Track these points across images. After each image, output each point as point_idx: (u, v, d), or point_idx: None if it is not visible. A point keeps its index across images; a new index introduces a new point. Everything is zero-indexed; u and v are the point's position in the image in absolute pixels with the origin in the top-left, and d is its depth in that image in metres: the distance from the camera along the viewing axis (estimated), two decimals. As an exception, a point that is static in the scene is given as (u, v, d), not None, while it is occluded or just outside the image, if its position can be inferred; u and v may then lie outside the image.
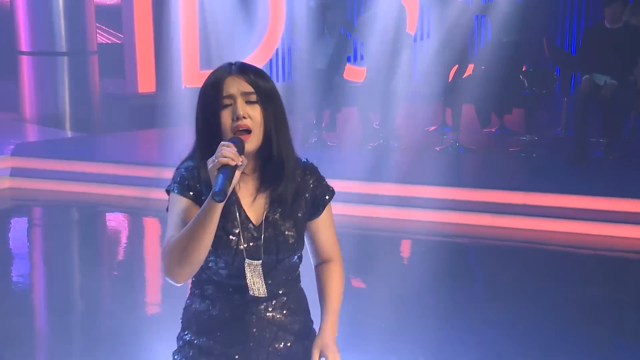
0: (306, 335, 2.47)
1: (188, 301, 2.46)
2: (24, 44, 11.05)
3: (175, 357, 2.46)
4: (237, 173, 2.16)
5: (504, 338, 5.18)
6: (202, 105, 2.32)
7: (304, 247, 2.47)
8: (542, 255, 7.19)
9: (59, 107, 11.10)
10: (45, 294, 6.62)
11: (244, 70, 2.31)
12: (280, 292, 2.40)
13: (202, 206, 2.18)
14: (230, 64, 2.34)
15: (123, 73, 12.03)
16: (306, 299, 2.52)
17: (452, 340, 5.17)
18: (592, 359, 4.95)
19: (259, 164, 2.35)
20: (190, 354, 2.41)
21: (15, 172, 9.19)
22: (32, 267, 7.18)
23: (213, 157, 2.14)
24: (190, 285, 2.45)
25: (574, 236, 7.35)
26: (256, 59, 11.80)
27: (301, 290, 2.50)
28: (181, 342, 2.45)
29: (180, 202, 2.30)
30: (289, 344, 2.42)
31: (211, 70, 2.38)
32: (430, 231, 7.45)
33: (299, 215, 2.41)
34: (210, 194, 2.10)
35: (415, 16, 11.58)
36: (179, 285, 2.29)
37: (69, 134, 10.97)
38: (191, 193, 2.30)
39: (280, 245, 2.34)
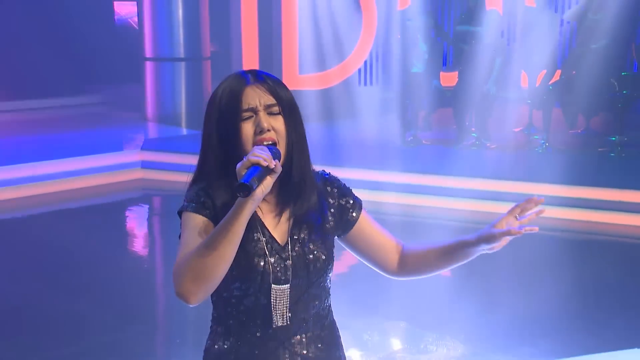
0: None
1: (209, 342, 2.01)
2: (147, 50, 11.22)
3: None
4: (269, 179, 1.79)
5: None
6: (216, 119, 1.93)
7: (333, 266, 2.03)
8: (634, 250, 7.00)
9: (176, 107, 11.27)
10: (162, 274, 6.74)
11: (263, 78, 1.94)
12: (313, 323, 1.99)
13: (229, 213, 1.79)
14: (245, 72, 1.96)
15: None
16: (339, 332, 2.09)
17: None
18: None
19: (278, 181, 1.89)
20: None
21: (145, 165, 9.41)
22: (154, 248, 7.39)
23: (244, 157, 1.78)
24: (210, 323, 2.04)
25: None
26: (349, 64, 11.79)
27: (334, 322, 2.07)
28: None
29: (196, 220, 1.90)
30: None
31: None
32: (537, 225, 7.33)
33: (327, 229, 2.02)
34: (235, 186, 1.73)
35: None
36: (191, 305, 1.85)
37: (184, 131, 11.08)
38: (207, 211, 1.90)
39: (310, 267, 1.94)
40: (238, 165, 1.78)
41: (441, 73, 10.25)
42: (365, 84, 12.46)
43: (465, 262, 2.06)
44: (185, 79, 11.22)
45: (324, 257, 1.97)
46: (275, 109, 1.92)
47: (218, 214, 1.89)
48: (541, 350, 4.67)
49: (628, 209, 7.35)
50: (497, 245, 1.96)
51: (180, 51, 11.13)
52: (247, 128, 1.90)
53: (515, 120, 10.07)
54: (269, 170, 1.78)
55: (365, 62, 12.39)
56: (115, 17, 15.08)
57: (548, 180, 7.75)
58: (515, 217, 1.98)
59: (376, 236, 2.08)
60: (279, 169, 1.81)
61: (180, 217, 1.94)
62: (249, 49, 11.71)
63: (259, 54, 11.85)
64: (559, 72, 9.62)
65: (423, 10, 9.70)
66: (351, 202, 2.07)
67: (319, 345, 2.00)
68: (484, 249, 1.99)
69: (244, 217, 1.78)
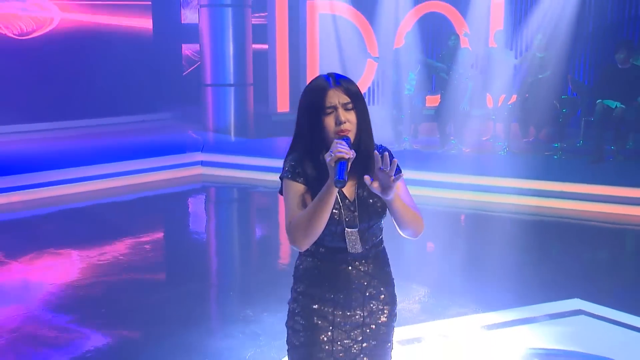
0: (389, 283, 2.19)
1: (298, 261, 2.17)
2: (207, 78, 11.22)
3: (292, 305, 2.16)
4: (348, 164, 1.90)
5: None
6: (307, 111, 2.03)
7: (387, 215, 2.13)
8: (573, 227, 6.97)
9: (227, 120, 11.25)
10: (216, 243, 6.78)
11: (341, 83, 2.02)
12: (371, 251, 2.13)
13: (322, 191, 1.92)
14: (328, 77, 2.04)
15: (267, 98, 12.07)
16: (387, 256, 2.23)
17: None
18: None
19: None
20: (305, 302, 2.12)
21: (204, 163, 9.43)
22: (210, 225, 7.42)
23: (330, 152, 1.88)
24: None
25: (595, 214, 7.15)
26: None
27: (384, 248, 2.22)
28: (295, 293, 2.16)
29: (295, 186, 2.03)
30: (380, 289, 2.15)
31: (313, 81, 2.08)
32: (496, 209, 7.41)
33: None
34: (333, 182, 1.85)
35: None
36: (302, 250, 2.06)
37: (233, 138, 11.08)
38: (302, 179, 2.03)
39: (371, 215, 2.07)
40: (327, 159, 1.88)
41: (427, 96, 10.24)
42: (369, 104, 12.45)
43: (398, 211, 2.01)
44: (234, 100, 11.21)
45: (380, 210, 2.08)
46: (349, 105, 1.99)
47: (309, 180, 2.03)
48: (502, 300, 4.70)
49: (567, 196, 7.37)
50: (382, 191, 1.93)
51: (230, 79, 11.12)
52: (329, 121, 1.99)
53: (484, 131, 10.08)
54: (348, 159, 1.88)
55: (369, 88, 12.36)
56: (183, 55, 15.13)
57: (508, 175, 7.79)
58: (381, 169, 1.92)
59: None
60: (354, 155, 1.90)
61: (282, 181, 2.07)
62: (282, 77, 11.72)
63: (289, 81, 11.86)
64: (515, 95, 9.61)
65: (414, 48, 9.71)
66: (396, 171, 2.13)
67: (375, 263, 2.14)
68: (386, 198, 1.96)
69: (334, 194, 1.93)
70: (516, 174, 7.79)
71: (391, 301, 2.20)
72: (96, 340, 4.15)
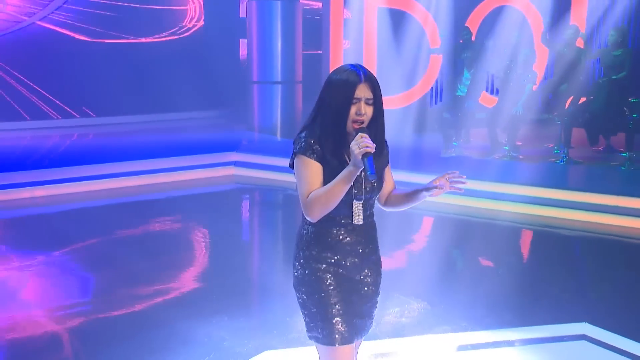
0: (377, 249, 2.67)
1: (303, 229, 2.59)
2: (254, 75, 11.50)
3: (300, 271, 2.57)
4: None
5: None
6: (336, 100, 2.43)
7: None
8: (622, 246, 6.64)
9: (273, 120, 11.45)
10: (246, 240, 7.03)
11: (369, 80, 2.44)
12: (367, 219, 2.57)
13: (344, 175, 2.35)
14: (359, 71, 2.44)
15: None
16: (376, 226, 2.67)
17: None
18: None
19: None
20: (312, 265, 2.55)
21: (238, 164, 9.66)
22: (239, 224, 7.63)
23: (357, 145, 2.29)
24: (302, 217, 2.56)
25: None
26: (418, 89, 11.72)
27: (374, 219, 2.66)
28: (302, 259, 2.57)
29: (311, 163, 2.45)
30: (373, 252, 2.62)
31: (343, 68, 2.46)
32: (541, 223, 7.23)
33: (382, 170, 2.60)
34: (367, 175, 2.29)
35: (544, 60, 11.00)
36: (314, 221, 2.46)
37: (279, 138, 11.27)
38: (315, 156, 2.45)
39: (370, 190, 2.53)
40: (355, 152, 2.29)
41: (483, 93, 10.00)
42: (431, 105, 12.16)
43: (416, 203, 2.61)
44: (281, 98, 11.42)
45: (376, 186, 2.56)
46: (370, 101, 2.44)
47: (323, 158, 2.46)
48: (503, 321, 4.57)
49: (624, 212, 7.01)
50: (434, 193, 2.50)
51: (278, 76, 11.34)
52: (353, 109, 2.43)
53: (546, 137, 9.76)
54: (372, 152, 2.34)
55: (437, 82, 12.11)
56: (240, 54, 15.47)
57: (559, 186, 7.54)
58: (446, 179, 2.49)
59: (387, 178, 2.66)
60: (375, 147, 2.34)
61: (295, 156, 2.49)
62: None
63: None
64: (583, 98, 9.25)
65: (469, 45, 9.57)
66: (387, 154, 2.65)
67: (369, 231, 2.61)
68: (426, 195, 2.52)
69: (353, 180, 2.38)
70: (569, 185, 7.52)
71: (379, 262, 2.70)
72: (78, 328, 4.43)
